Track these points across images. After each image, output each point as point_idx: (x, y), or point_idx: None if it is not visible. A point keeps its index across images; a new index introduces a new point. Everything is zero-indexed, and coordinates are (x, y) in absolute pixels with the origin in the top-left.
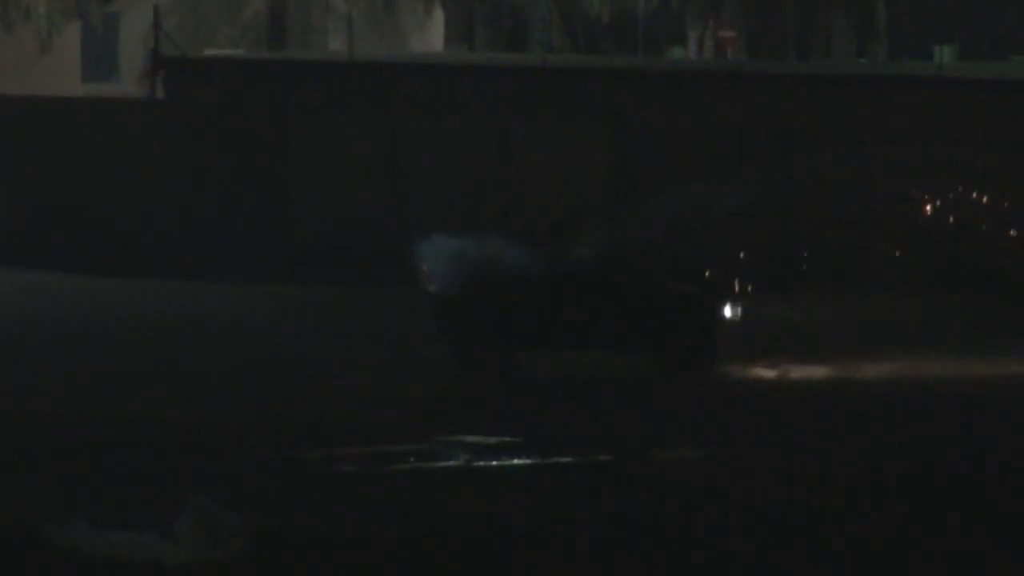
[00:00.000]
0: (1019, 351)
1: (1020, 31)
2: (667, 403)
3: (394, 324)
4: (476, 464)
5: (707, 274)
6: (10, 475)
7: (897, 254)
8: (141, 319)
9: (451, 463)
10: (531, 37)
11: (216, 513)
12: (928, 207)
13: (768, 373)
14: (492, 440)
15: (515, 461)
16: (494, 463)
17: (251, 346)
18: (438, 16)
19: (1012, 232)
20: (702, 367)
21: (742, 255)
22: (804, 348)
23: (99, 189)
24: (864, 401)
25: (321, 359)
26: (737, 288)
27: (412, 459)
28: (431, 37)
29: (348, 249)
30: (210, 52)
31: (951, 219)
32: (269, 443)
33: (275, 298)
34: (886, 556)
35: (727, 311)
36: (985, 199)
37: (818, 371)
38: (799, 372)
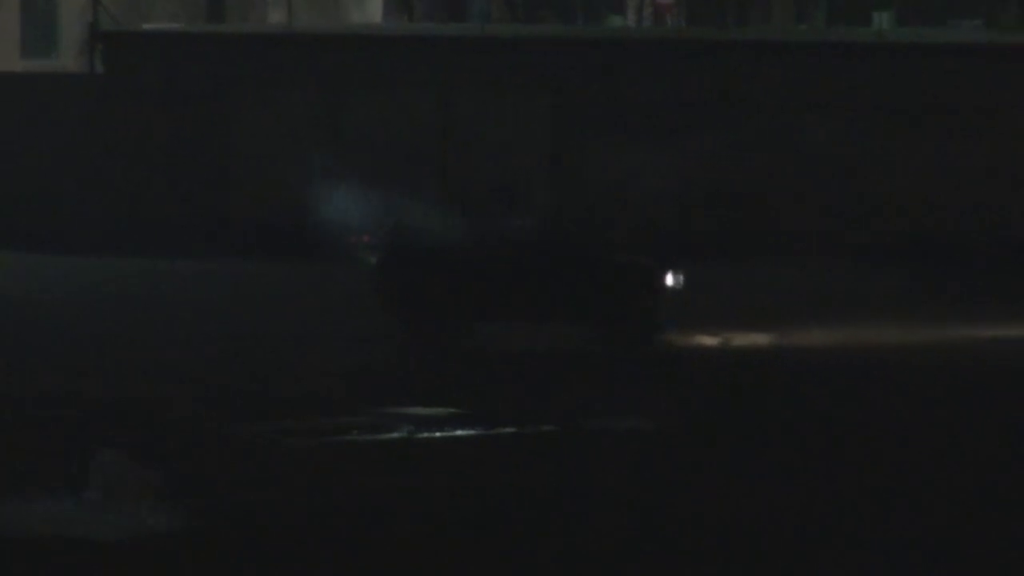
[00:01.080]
0: (955, 319)
1: None
2: (611, 373)
3: (336, 297)
4: (419, 436)
5: (650, 245)
6: None
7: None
8: (81, 295)
9: (394, 435)
10: (470, 7)
11: (124, 466)
12: None
13: (711, 343)
14: (435, 412)
15: (459, 432)
16: (437, 435)
17: (193, 321)
18: None
19: None
20: (645, 338)
21: (684, 226)
22: (747, 317)
23: (38, 164)
24: (807, 368)
25: (263, 333)
26: (680, 259)
27: (355, 431)
28: (370, 8)
29: (290, 222)
30: (149, 26)
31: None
32: (213, 418)
33: (217, 273)
34: (828, 523)
35: (670, 281)
36: None
37: (761, 340)
38: (742, 341)
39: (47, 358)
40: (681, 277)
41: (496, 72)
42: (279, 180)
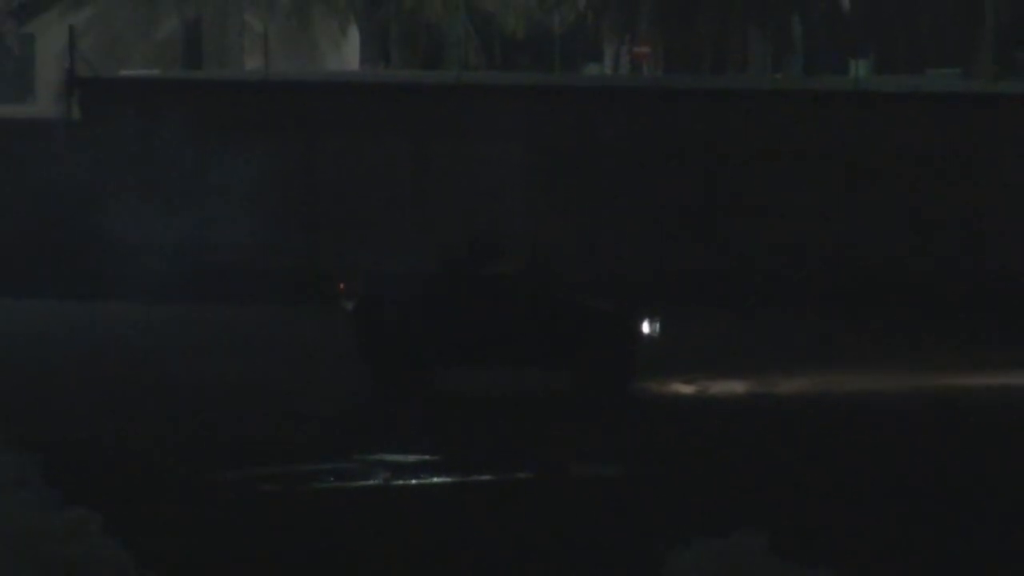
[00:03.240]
0: (931, 367)
1: (935, 45)
2: (587, 420)
3: (313, 343)
4: (395, 483)
5: (626, 291)
6: None
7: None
8: (56, 338)
9: (370, 482)
10: (447, 55)
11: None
12: None
13: (686, 390)
14: (411, 458)
15: (434, 479)
16: (413, 481)
17: (167, 366)
18: (353, 34)
19: None
20: (621, 384)
21: (661, 273)
22: (722, 365)
23: (14, 209)
24: (781, 417)
25: (240, 378)
26: (655, 306)
27: (331, 478)
28: (347, 55)
29: (265, 268)
30: (126, 72)
31: None
32: (188, 464)
33: (192, 318)
34: (801, 570)
35: (645, 328)
36: None
37: (736, 387)
38: (717, 389)
39: (12, 399)
40: (657, 324)
41: (472, 120)
42: (256, 226)
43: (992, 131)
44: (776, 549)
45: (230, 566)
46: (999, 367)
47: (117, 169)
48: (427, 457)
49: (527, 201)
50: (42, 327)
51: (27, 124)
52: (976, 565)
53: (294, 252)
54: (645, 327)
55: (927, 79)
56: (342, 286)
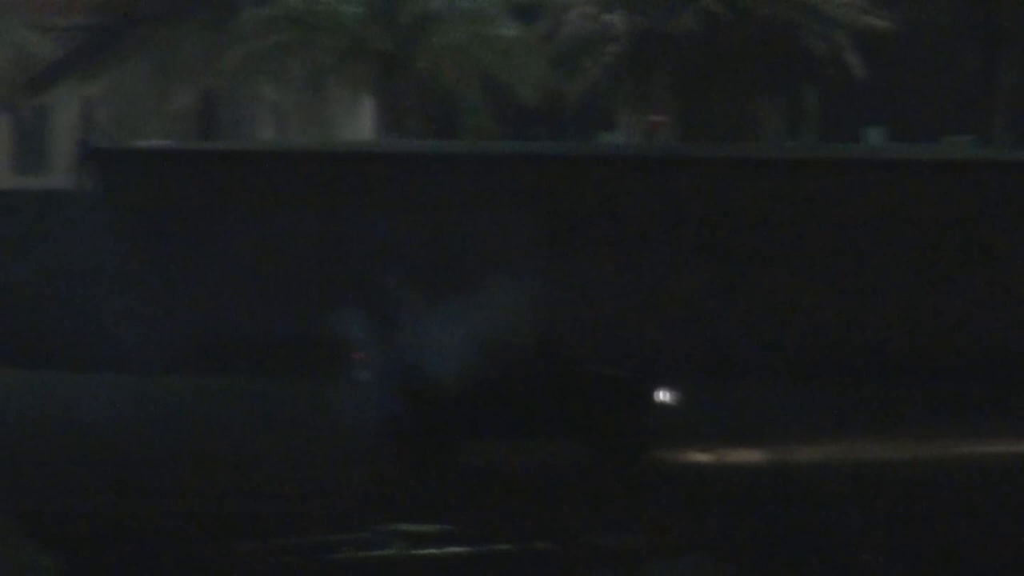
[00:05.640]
0: (949, 436)
1: (950, 113)
2: (604, 489)
3: (328, 413)
4: (413, 553)
5: (641, 360)
6: None
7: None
8: (72, 412)
9: (388, 552)
10: (462, 124)
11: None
12: None
13: (704, 459)
14: (429, 528)
15: (452, 549)
16: (431, 551)
17: (183, 439)
18: (367, 104)
19: None
20: (637, 453)
21: (678, 342)
22: (739, 434)
23: (29, 281)
24: (799, 487)
25: (255, 450)
26: (671, 375)
27: (349, 549)
28: (360, 125)
29: (283, 339)
30: (140, 143)
31: None
32: (206, 536)
33: (210, 390)
34: None
35: (661, 397)
36: None
37: (753, 456)
38: (734, 457)
39: (36, 473)
40: (672, 393)
41: (488, 189)
42: (272, 297)
43: (1009, 199)
44: None
45: None
46: (1006, 437)
47: (132, 240)
48: (445, 527)
49: (545, 270)
50: (57, 401)
51: (41, 196)
52: None
53: (311, 323)
54: (659, 395)
55: (943, 146)
56: (361, 356)
